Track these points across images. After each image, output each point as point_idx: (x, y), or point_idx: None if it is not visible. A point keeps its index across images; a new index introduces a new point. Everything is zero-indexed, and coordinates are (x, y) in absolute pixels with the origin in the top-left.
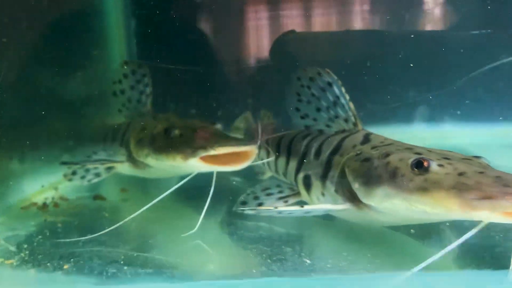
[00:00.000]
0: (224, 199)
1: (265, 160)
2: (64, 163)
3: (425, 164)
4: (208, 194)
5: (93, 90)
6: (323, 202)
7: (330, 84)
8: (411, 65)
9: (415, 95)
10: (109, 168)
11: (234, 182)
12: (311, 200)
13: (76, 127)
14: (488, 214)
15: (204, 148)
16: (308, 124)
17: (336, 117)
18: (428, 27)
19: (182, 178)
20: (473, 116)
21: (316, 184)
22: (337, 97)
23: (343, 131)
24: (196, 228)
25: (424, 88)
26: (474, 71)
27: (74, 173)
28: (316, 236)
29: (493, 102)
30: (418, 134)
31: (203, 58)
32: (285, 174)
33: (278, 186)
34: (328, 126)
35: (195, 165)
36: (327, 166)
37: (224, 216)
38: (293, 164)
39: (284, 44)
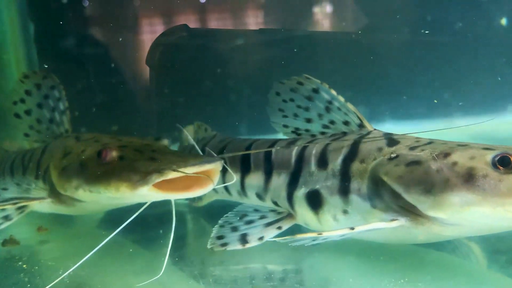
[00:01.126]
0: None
1: (227, 183)
2: None
3: None
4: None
5: None
6: (343, 222)
7: (316, 91)
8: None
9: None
10: (22, 208)
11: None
12: (320, 222)
13: None
14: None
15: (158, 171)
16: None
17: (332, 122)
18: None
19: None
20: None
21: (331, 200)
22: (329, 102)
23: (344, 133)
24: (162, 272)
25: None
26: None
27: None
28: (324, 267)
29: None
30: None
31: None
32: (261, 195)
33: (257, 210)
34: (323, 134)
35: (147, 194)
36: (345, 177)
37: (186, 252)
38: (280, 180)
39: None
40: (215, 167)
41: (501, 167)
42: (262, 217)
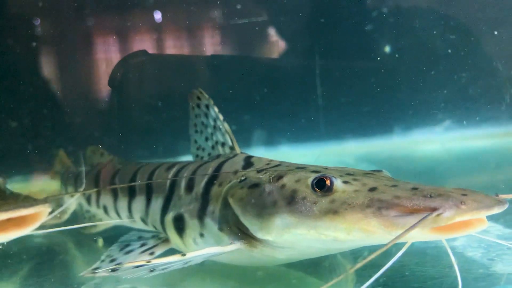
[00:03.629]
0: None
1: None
2: None
3: (327, 182)
4: None
5: None
6: (202, 245)
7: (207, 107)
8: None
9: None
10: None
11: None
12: (186, 246)
13: None
14: (418, 232)
15: None
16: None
17: (217, 142)
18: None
19: None
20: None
21: (191, 224)
22: (214, 120)
23: (218, 156)
24: None
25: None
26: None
27: None
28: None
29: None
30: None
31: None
32: (144, 220)
33: (140, 238)
34: (210, 155)
35: None
36: (204, 200)
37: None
38: (157, 204)
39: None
40: (37, 211)
41: (317, 190)
42: (142, 245)
